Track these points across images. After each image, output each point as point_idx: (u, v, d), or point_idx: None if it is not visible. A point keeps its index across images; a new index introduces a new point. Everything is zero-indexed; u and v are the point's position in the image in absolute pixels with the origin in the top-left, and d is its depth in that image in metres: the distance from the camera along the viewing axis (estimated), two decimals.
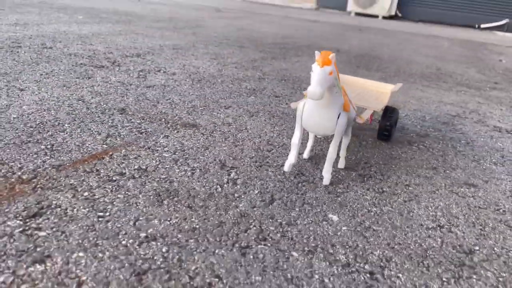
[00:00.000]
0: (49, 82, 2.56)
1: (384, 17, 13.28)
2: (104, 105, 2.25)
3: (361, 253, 1.22)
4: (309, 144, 1.85)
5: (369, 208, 1.46)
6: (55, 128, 1.88)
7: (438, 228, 1.39)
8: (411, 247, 1.28)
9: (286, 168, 1.64)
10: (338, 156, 1.91)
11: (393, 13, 13.34)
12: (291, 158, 1.64)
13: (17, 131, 1.80)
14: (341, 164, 1.81)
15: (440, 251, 1.27)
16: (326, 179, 1.62)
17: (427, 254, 1.25)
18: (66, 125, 1.93)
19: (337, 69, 1.58)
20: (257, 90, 2.91)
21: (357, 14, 13.67)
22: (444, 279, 1.15)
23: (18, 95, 2.28)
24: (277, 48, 4.96)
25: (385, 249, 1.25)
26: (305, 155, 1.86)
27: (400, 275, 1.14)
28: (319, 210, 1.43)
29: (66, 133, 1.84)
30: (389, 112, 2.13)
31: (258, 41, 5.39)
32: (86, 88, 2.52)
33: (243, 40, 5.30)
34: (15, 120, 1.92)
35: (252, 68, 3.65)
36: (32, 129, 1.85)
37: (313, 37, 6.39)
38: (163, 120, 2.13)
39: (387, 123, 2.11)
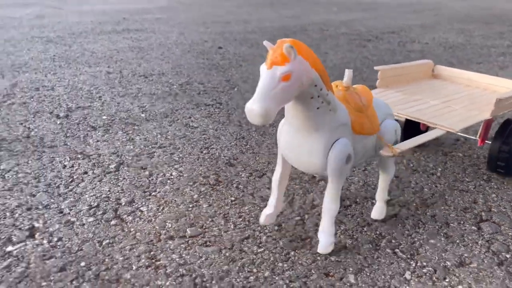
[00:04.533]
0: None
1: None
2: None
3: None
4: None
5: None
6: None
7: None
8: None
9: (262, 219, 1.31)
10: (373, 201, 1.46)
11: None
12: (269, 207, 1.30)
13: None
14: (377, 213, 1.40)
15: None
16: (324, 245, 1.20)
17: None
18: None
19: (318, 65, 1.01)
20: None
21: None
22: None
23: None
24: None
25: None
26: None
27: None
28: None
29: None
30: (510, 129, 1.44)
31: None
32: None
33: None
34: None
35: None
36: None
37: None
38: None
39: (504, 147, 1.46)
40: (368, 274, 1.21)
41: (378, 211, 1.41)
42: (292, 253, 1.27)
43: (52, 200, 1.54)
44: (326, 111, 1.05)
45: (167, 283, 1.16)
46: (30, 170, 1.75)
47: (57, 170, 1.75)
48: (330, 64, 3.63)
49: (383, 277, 1.20)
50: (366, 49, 4.28)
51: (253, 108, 0.90)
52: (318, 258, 1.26)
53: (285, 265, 1.23)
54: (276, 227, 1.39)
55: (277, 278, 1.18)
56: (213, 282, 1.17)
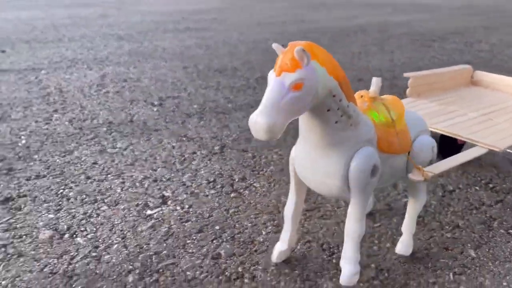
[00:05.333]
0: None
1: None
2: None
3: None
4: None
5: None
6: None
7: None
8: None
9: (275, 257, 1.17)
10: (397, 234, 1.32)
11: None
12: (282, 242, 1.15)
13: None
14: (403, 247, 1.22)
15: None
16: (347, 276, 1.02)
17: None
18: None
19: (337, 72, 0.87)
20: None
21: None
22: None
23: None
24: None
25: None
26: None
27: None
28: None
29: None
30: None
31: None
32: None
33: None
34: None
35: None
36: None
37: None
38: None
39: None
40: (487, 250, 1.27)
41: (404, 246, 1.22)
42: None
43: (172, 175, 1.69)
44: (346, 126, 0.90)
45: (298, 247, 1.27)
46: (144, 149, 1.92)
47: (168, 149, 1.91)
48: (398, 63, 3.68)
49: (502, 253, 1.26)
50: (432, 49, 4.28)
51: (258, 121, 0.76)
52: (434, 234, 1.34)
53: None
54: (386, 207, 1.48)
55: None
56: (340, 249, 1.27)
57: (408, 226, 1.19)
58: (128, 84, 2.91)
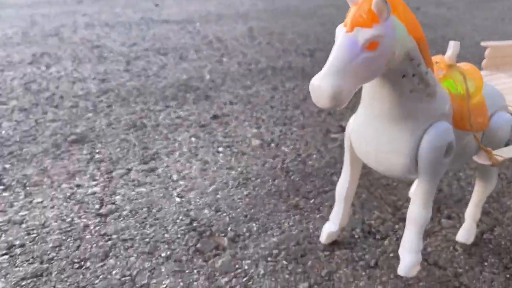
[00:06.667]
0: None
1: None
2: None
3: None
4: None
5: None
6: None
7: None
8: None
9: (323, 238, 1.09)
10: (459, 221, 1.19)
11: None
12: (332, 223, 1.07)
13: None
14: (465, 234, 1.10)
15: None
16: (407, 266, 0.88)
17: None
18: None
19: (417, 31, 0.73)
20: None
21: None
22: None
23: None
24: None
25: None
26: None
27: None
28: None
29: None
30: None
31: None
32: None
33: None
34: None
35: None
36: None
37: None
38: None
39: None
40: None
41: (466, 233, 1.11)
42: None
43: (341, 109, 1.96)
44: (422, 96, 0.77)
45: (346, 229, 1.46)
46: None
47: None
48: None
49: None
50: None
51: (321, 85, 0.64)
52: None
53: None
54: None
55: None
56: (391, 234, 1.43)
57: (472, 211, 1.08)
58: (276, 37, 3.22)
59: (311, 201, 1.30)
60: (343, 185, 1.00)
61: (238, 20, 3.74)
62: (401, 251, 0.90)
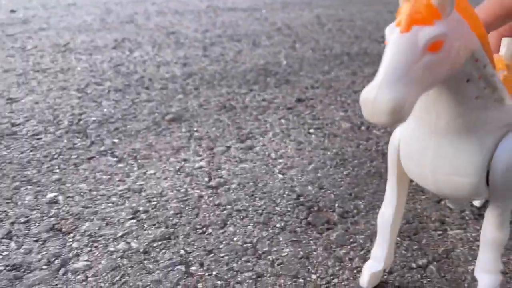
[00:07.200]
0: None
1: None
2: None
3: None
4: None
5: None
6: None
7: None
8: None
9: (365, 281, 0.88)
10: None
11: None
12: (375, 261, 0.87)
13: None
14: None
15: None
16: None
17: None
18: None
19: (480, 29, 0.62)
20: None
21: None
22: None
23: None
24: None
25: None
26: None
27: None
28: None
29: None
30: None
31: None
32: None
33: None
34: None
35: None
36: None
37: None
38: None
39: None
40: None
41: None
42: None
43: None
44: (489, 103, 0.64)
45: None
46: None
47: None
48: None
49: None
50: None
51: (377, 98, 0.52)
52: None
53: None
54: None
55: None
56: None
57: None
58: (345, 24, 3.19)
59: (413, 183, 1.30)
60: (388, 214, 0.83)
61: (304, 8, 3.74)
62: (478, 273, 0.77)
